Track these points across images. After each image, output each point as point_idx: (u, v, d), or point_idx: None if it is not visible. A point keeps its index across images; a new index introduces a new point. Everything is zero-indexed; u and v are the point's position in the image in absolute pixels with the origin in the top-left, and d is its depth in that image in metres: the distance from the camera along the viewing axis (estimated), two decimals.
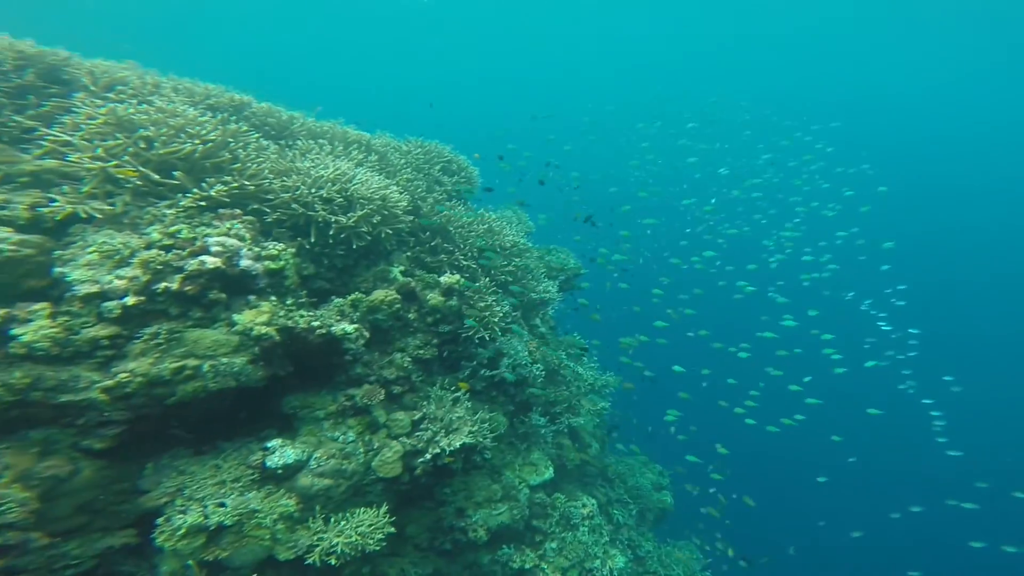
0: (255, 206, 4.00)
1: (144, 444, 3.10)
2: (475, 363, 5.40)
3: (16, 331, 2.62)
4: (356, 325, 3.77)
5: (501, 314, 5.63)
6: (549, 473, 5.73)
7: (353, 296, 4.01)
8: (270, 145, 5.02)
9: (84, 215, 3.24)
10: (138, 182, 3.38)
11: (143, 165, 3.59)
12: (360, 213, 4.33)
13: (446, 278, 5.08)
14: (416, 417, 4.15)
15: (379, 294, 4.49)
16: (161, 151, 3.65)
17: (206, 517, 2.69)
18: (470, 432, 4.01)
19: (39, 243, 3.07)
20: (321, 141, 5.78)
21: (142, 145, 3.63)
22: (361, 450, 3.64)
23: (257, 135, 4.95)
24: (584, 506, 5.83)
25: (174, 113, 3.85)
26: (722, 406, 11.24)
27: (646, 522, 9.48)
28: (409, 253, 5.58)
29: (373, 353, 4.61)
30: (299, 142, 5.63)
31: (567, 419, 6.73)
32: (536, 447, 6.00)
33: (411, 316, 4.88)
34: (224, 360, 2.90)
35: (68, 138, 3.60)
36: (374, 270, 4.85)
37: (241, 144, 4.18)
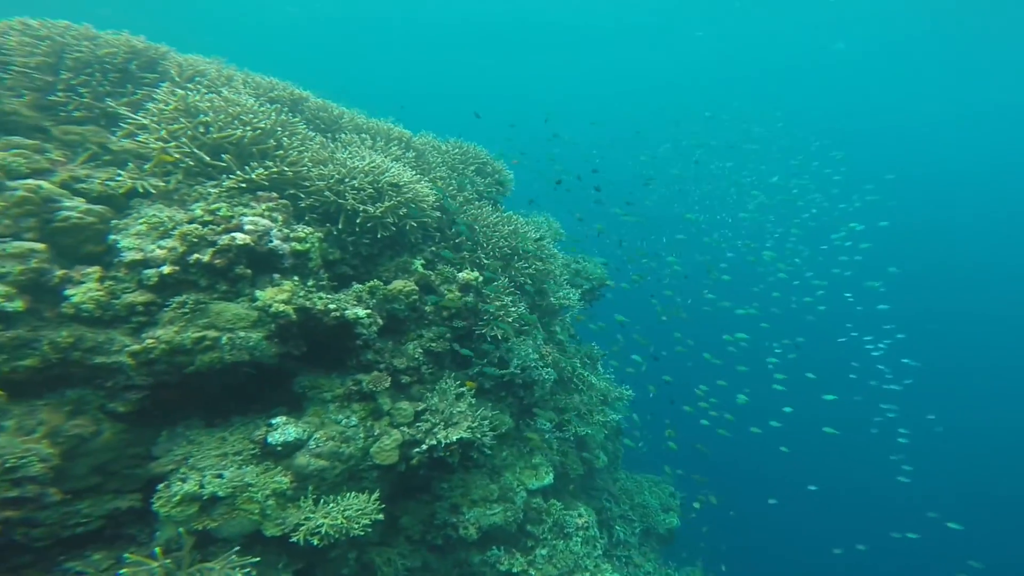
0: (292, 191, 4.28)
1: (163, 412, 3.38)
2: (485, 360, 5.54)
3: (68, 291, 2.93)
4: (369, 310, 3.97)
5: (516, 314, 5.75)
6: (549, 479, 5.81)
7: (371, 283, 4.22)
8: (316, 136, 5.32)
9: (141, 190, 3.57)
10: (190, 162, 3.70)
11: (199, 148, 3.91)
12: (387, 204, 4.54)
13: (464, 274, 5.25)
14: (420, 408, 4.32)
15: (398, 284, 4.70)
16: (215, 135, 3.96)
17: (202, 487, 2.91)
18: (468, 428, 4.15)
19: (101, 213, 3.41)
20: (364, 135, 6.07)
21: (200, 130, 3.96)
22: (361, 435, 3.83)
23: (305, 126, 5.26)
24: (580, 516, 5.88)
25: (234, 102, 4.16)
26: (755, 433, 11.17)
27: (650, 542, 9.40)
28: (434, 248, 5.78)
29: (387, 341, 4.83)
30: (344, 135, 5.94)
31: (575, 428, 6.78)
32: (539, 451, 6.09)
33: (427, 309, 5.07)
34: (242, 334, 3.14)
35: (144, 121, 3.98)
36: (397, 261, 5.07)
37: (287, 133, 4.46)
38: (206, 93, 4.35)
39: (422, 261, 5.29)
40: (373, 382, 4.05)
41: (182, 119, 3.83)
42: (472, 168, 7.53)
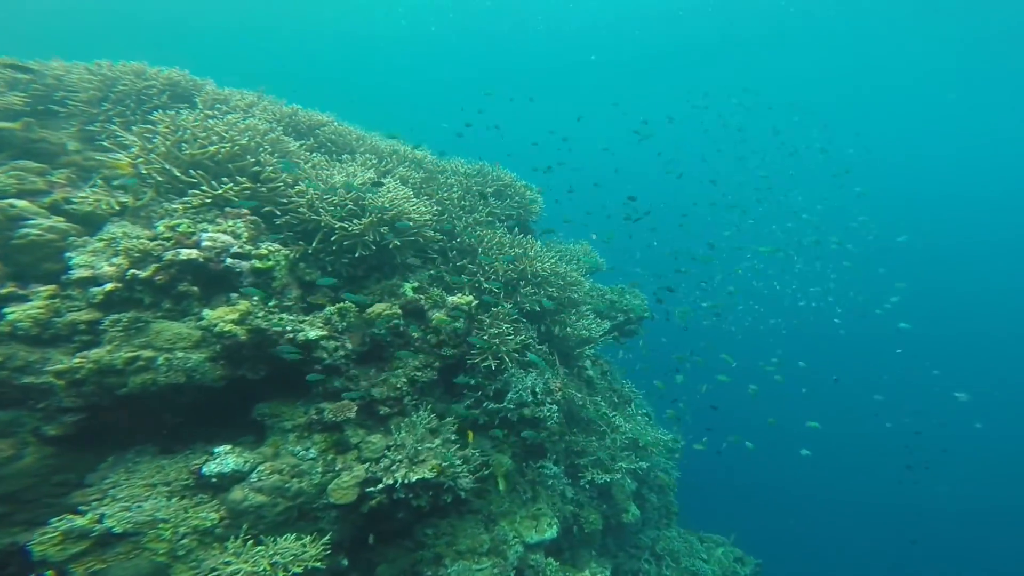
0: (269, 208, 4.30)
1: (115, 436, 3.35)
2: (479, 394, 5.23)
3: (7, 309, 3.02)
4: (325, 332, 3.82)
5: (517, 344, 5.43)
6: (552, 532, 5.30)
7: (340, 304, 4.09)
8: (314, 156, 5.43)
9: (106, 207, 3.70)
10: (159, 178, 3.81)
11: (173, 164, 4.05)
12: (365, 220, 4.46)
13: (455, 298, 5.03)
14: (392, 442, 4.08)
15: (378, 307, 4.55)
16: (190, 152, 4.09)
17: (99, 521, 2.77)
18: (435, 467, 3.83)
19: (64, 230, 3.56)
20: (368, 156, 6.14)
21: (177, 147, 4.11)
22: (319, 469, 3.63)
23: (300, 145, 5.39)
24: None
25: (232, 123, 4.32)
26: None
27: None
28: (433, 271, 5.63)
29: (370, 368, 4.67)
30: (347, 156, 6.04)
31: (593, 474, 6.24)
32: (544, 500, 5.61)
33: (415, 335, 4.88)
34: (180, 354, 3.07)
35: (128, 140, 4.21)
36: (385, 283, 4.95)
37: (269, 151, 4.55)
38: (203, 116, 4.55)
39: (414, 284, 5.14)
40: (337, 411, 3.87)
41: (160, 137, 3.98)
42: (491, 190, 7.41)
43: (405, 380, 4.69)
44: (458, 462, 4.05)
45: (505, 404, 5.14)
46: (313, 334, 3.71)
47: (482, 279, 5.66)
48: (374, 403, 4.43)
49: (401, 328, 4.73)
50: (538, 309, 6.03)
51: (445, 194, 6.33)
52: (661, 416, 11.49)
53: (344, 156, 5.87)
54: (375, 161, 5.92)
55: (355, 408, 3.93)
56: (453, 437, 4.44)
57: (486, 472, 4.61)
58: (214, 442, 3.76)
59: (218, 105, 5.40)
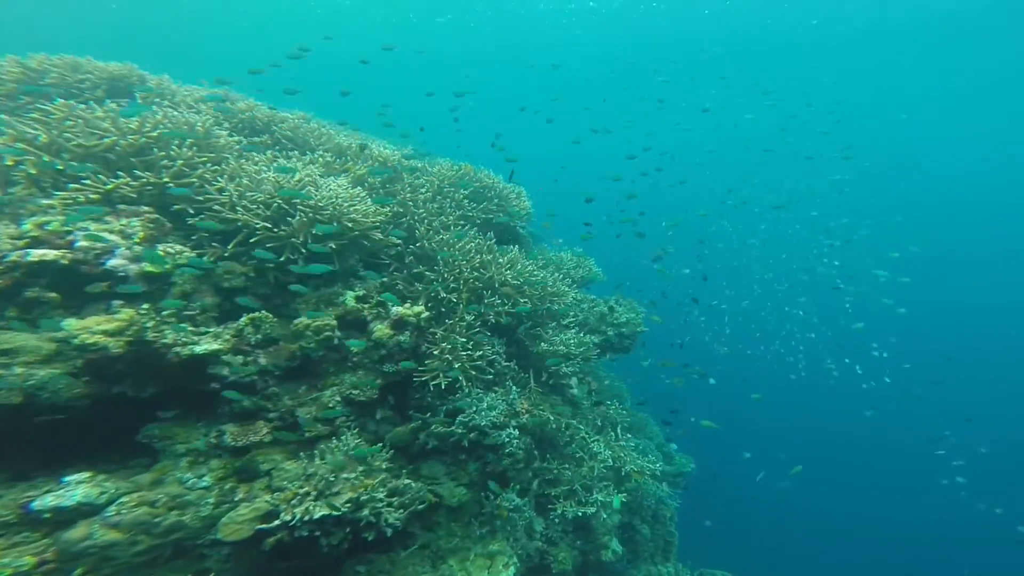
0: (181, 207, 3.96)
1: None
2: (428, 415, 4.78)
3: None
4: (223, 345, 3.43)
5: (476, 360, 4.98)
6: (509, 573, 4.79)
7: (255, 314, 3.70)
8: (255, 154, 5.10)
9: None
10: (33, 171, 3.49)
11: (55, 155, 3.72)
12: (296, 222, 4.08)
13: (400, 308, 4.60)
14: (309, 470, 3.65)
15: (308, 318, 4.16)
16: (81, 143, 3.75)
17: None
18: (350, 501, 3.38)
19: None
20: (324, 153, 5.80)
21: (55, 135, 3.76)
22: (211, 500, 3.22)
23: (238, 139, 5.07)
24: None
25: (150, 117, 4.00)
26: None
27: None
28: (386, 279, 5.23)
29: (299, 386, 4.27)
30: (310, 154, 5.71)
31: (564, 507, 5.71)
32: (503, 536, 5.10)
33: (355, 349, 4.46)
34: (18, 370, 2.71)
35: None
36: (323, 292, 4.56)
37: (182, 144, 4.17)
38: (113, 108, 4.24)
39: (359, 293, 4.74)
40: (240, 434, 3.46)
41: (43, 127, 3.67)
42: (467, 192, 7.00)
43: (339, 399, 4.28)
44: (380, 495, 3.59)
45: (454, 428, 4.68)
46: (203, 348, 3.32)
47: (440, 288, 5.23)
48: (299, 425, 4.03)
49: (336, 342, 4.32)
50: (505, 321, 5.57)
51: (409, 195, 5.95)
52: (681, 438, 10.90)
53: (294, 153, 5.53)
54: (329, 159, 5.58)
55: (264, 430, 3.52)
56: (384, 465, 3.99)
57: (426, 504, 4.15)
58: (100, 466, 3.40)
59: (158, 100, 5.13)
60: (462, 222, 6.49)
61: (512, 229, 8.19)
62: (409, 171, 6.56)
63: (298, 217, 4.11)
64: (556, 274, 7.11)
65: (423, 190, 6.31)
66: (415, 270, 5.37)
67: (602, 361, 12.17)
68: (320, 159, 5.35)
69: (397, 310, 4.59)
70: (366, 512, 3.41)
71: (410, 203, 5.87)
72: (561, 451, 6.36)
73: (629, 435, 8.25)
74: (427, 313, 4.82)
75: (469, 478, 5.18)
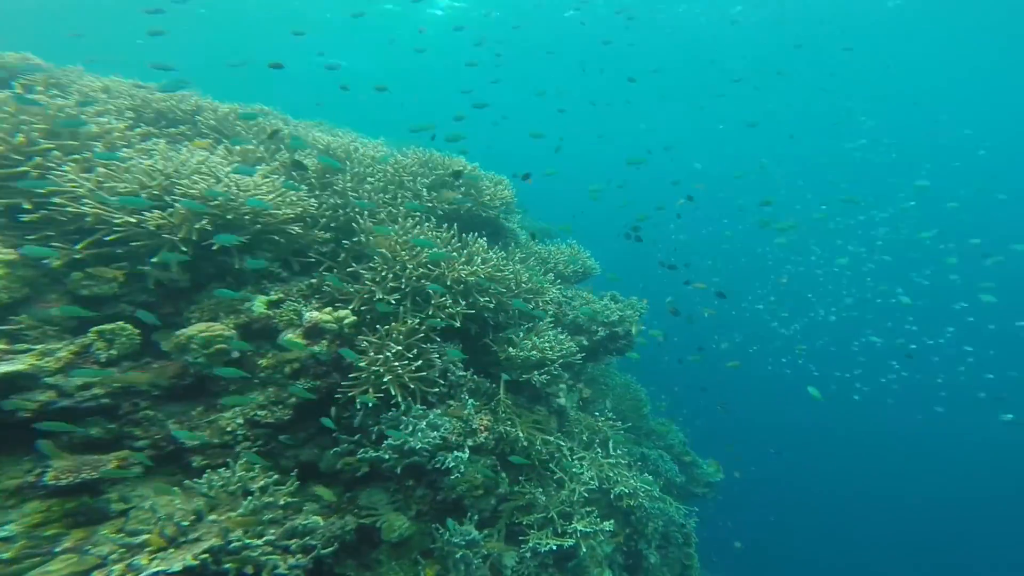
0: (15, 201, 3.49)
1: None
2: (357, 438, 4.20)
3: None
4: (55, 363, 2.92)
5: (418, 372, 4.39)
6: None
7: (104, 327, 3.20)
8: (156, 143, 4.64)
9: None
10: None
11: None
12: (179, 213, 3.57)
13: (315, 314, 4.03)
14: (167, 511, 3.11)
15: (194, 328, 3.64)
16: None
17: None
18: (209, 551, 2.81)
19: None
20: (249, 143, 5.32)
21: None
22: (6, 556, 2.70)
23: (141, 128, 4.62)
24: None
25: None
26: None
27: None
28: (313, 281, 4.69)
29: (194, 407, 3.76)
30: (226, 143, 5.24)
31: (538, 539, 5.05)
32: (456, 573, 4.47)
33: (262, 363, 3.93)
34: None
35: None
36: (223, 297, 4.03)
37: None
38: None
39: (273, 297, 4.21)
40: (67, 471, 2.94)
41: None
42: (428, 181, 6.43)
43: (242, 421, 3.74)
44: (258, 543, 3.01)
45: (380, 452, 4.08)
46: (10, 368, 2.82)
47: (376, 289, 4.66)
48: (187, 452, 3.51)
49: (235, 354, 3.79)
50: (467, 326, 4.96)
51: (350, 185, 5.40)
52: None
53: (184, 142, 5.04)
54: (252, 147, 5.08)
55: (115, 462, 3.00)
56: (281, 501, 3.43)
57: (348, 540, 3.55)
58: None
59: (45, 89, 4.71)
60: (419, 214, 5.91)
61: (493, 222, 7.58)
62: (360, 162, 6.02)
63: (178, 209, 3.60)
64: (537, 269, 6.46)
65: (372, 180, 5.77)
66: (349, 269, 4.82)
67: (613, 364, 11.45)
68: (240, 150, 4.85)
69: (312, 316, 4.03)
70: (230, 565, 2.84)
71: (352, 194, 5.33)
72: (539, 472, 5.70)
73: (625, 449, 7.51)
74: (352, 319, 4.25)
75: (417, 508, 4.58)
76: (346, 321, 4.14)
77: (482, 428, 4.88)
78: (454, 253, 5.23)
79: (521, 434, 5.27)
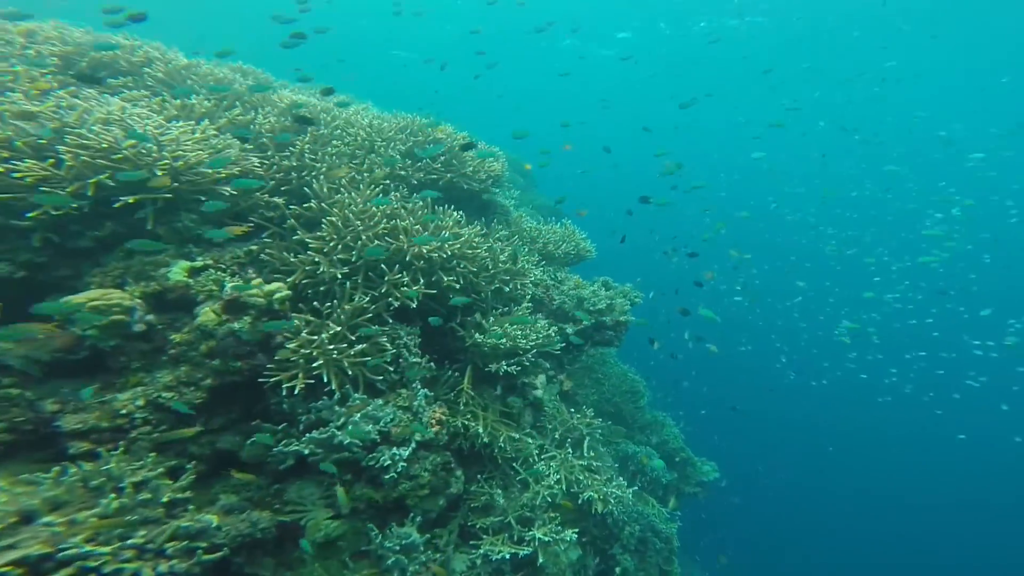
0: None
1: None
2: (282, 427, 3.71)
3: None
4: None
5: (360, 356, 3.87)
6: None
7: None
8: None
9: None
10: None
11: None
12: (64, 167, 3.05)
13: (236, 285, 3.51)
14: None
15: (86, 296, 3.15)
16: None
17: None
18: (7, 567, 2.33)
19: None
20: (201, 98, 4.77)
21: None
22: None
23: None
24: None
25: None
26: None
27: None
28: (254, 248, 4.17)
29: (86, 387, 3.29)
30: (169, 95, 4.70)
31: (491, 546, 4.56)
32: None
33: (176, 338, 3.43)
34: None
35: None
36: (137, 259, 3.53)
37: None
38: None
39: (198, 263, 3.70)
40: None
41: None
42: (403, 148, 5.84)
43: (143, 403, 3.27)
44: (104, 550, 2.52)
45: (300, 446, 3.58)
46: None
47: (321, 260, 4.13)
48: (69, 437, 3.05)
49: (137, 328, 3.30)
50: (414, 306, 4.41)
51: (307, 147, 4.84)
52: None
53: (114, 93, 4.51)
54: (205, 103, 4.52)
55: None
56: (167, 497, 2.95)
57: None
58: None
59: None
60: (387, 181, 5.34)
61: (478, 196, 6.98)
62: (328, 123, 5.44)
63: (71, 160, 3.07)
64: (521, 248, 5.86)
65: (339, 143, 5.20)
66: (296, 237, 4.28)
67: (611, 353, 10.86)
68: (178, 104, 4.30)
69: (233, 287, 3.51)
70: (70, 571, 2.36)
71: (308, 156, 4.77)
72: (503, 471, 5.20)
73: (605, 448, 6.97)
74: (285, 293, 3.72)
75: (353, 505, 4.10)
76: (277, 295, 3.61)
77: (433, 422, 4.36)
78: (418, 225, 4.66)
79: (482, 429, 4.74)
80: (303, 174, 4.64)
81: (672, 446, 10.37)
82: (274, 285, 3.63)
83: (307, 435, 3.52)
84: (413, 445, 4.13)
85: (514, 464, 5.11)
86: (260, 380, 3.57)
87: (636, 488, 8.21)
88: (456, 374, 5.08)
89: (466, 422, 4.75)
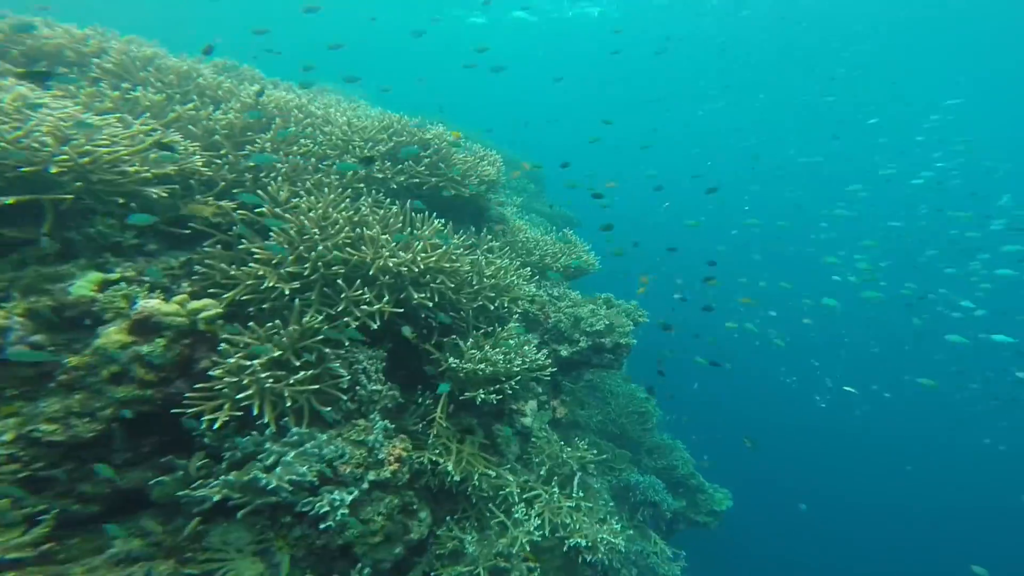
0: None
1: None
2: (198, 466, 3.12)
3: None
4: None
5: (306, 385, 3.28)
6: None
7: None
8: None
9: None
10: None
11: None
12: None
13: (153, 303, 2.94)
14: None
15: None
16: None
17: None
18: None
19: None
20: (149, 90, 4.28)
21: None
22: None
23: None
24: None
25: None
26: None
27: None
28: (194, 257, 3.62)
29: None
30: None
31: None
32: None
33: (72, 361, 2.88)
34: None
35: None
36: (31, 270, 3.00)
37: None
38: None
39: (114, 275, 3.16)
40: None
41: None
42: (386, 148, 5.28)
43: (11, 438, 2.71)
44: None
45: (212, 489, 2.98)
46: None
47: (267, 273, 3.55)
48: None
49: (13, 351, 2.75)
50: (375, 326, 3.81)
51: (268, 146, 4.30)
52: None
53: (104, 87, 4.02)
54: (153, 96, 4.00)
55: None
56: (14, 538, 2.37)
57: None
58: None
59: None
60: (361, 185, 4.77)
61: (473, 203, 6.38)
62: (299, 120, 4.90)
63: None
64: (510, 263, 5.23)
65: (308, 142, 4.66)
66: (241, 246, 3.72)
67: (617, 374, 10.10)
68: (115, 96, 3.79)
69: (148, 304, 2.94)
70: None
71: (273, 157, 4.22)
72: (479, 511, 4.55)
73: (601, 482, 6.25)
74: (215, 311, 3.15)
75: (292, 552, 3.49)
76: (203, 314, 3.04)
77: (392, 459, 3.73)
78: (385, 235, 4.06)
79: (452, 466, 4.09)
80: (261, 175, 4.08)
81: (682, 472, 9.57)
82: (202, 302, 3.06)
83: (223, 477, 2.91)
84: (366, 485, 3.52)
85: (490, 505, 4.45)
86: (176, 412, 2.99)
87: (638, 521, 7.49)
88: (430, 402, 4.46)
89: (435, 457, 4.11)
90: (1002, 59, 21.64)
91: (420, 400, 4.40)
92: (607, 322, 5.87)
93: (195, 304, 3.05)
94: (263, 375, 3.09)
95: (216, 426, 2.92)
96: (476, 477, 4.22)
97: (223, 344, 3.06)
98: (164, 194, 3.27)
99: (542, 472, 4.96)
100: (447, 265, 4.27)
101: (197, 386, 2.99)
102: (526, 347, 4.80)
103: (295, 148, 4.37)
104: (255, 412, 3.07)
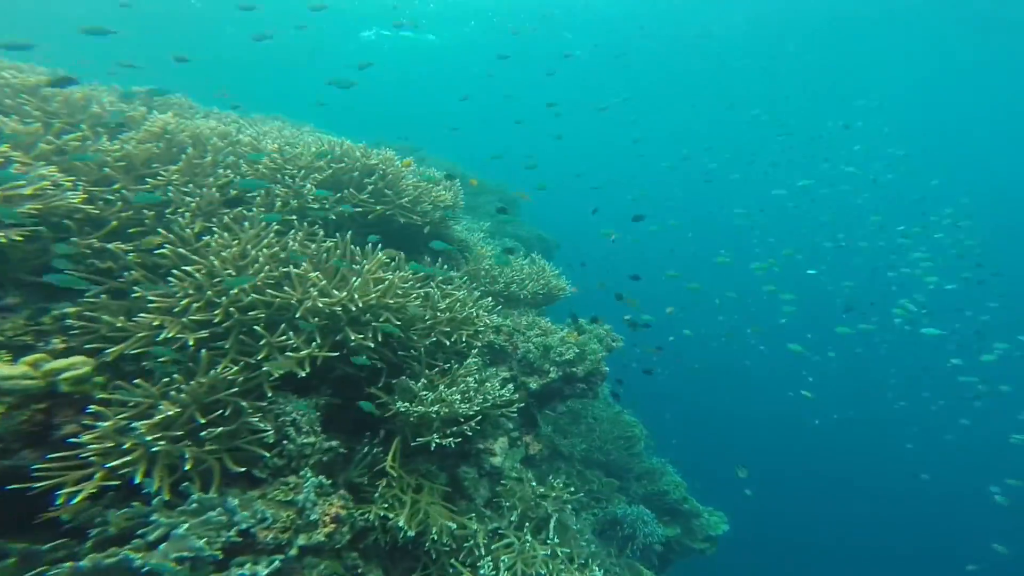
0: None
1: None
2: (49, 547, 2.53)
3: None
4: None
5: (212, 442, 2.72)
6: None
7: None
8: None
9: None
10: None
11: None
12: None
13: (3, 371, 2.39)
14: None
15: None
16: None
17: None
18: None
19: None
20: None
21: None
22: None
23: None
24: None
25: None
26: None
27: None
28: (71, 310, 3.07)
29: None
30: None
31: None
32: None
33: None
34: None
35: None
36: None
37: None
38: None
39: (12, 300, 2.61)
40: None
41: None
42: (323, 176, 4.82)
43: None
44: None
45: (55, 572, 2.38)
46: None
47: (167, 322, 3.02)
48: None
49: None
50: (303, 374, 3.29)
51: (175, 177, 3.82)
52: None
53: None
54: (17, 124, 3.51)
55: None
56: None
57: None
58: None
59: None
60: (293, 217, 4.30)
61: (423, 230, 5.90)
62: (217, 148, 4.43)
63: None
64: (466, 295, 4.73)
65: (227, 172, 4.19)
66: (136, 294, 3.19)
67: (603, 394, 9.59)
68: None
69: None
70: None
71: (181, 191, 3.75)
72: (441, 567, 3.97)
73: (581, 522, 5.68)
74: (83, 369, 2.61)
75: None
76: (66, 374, 2.50)
77: (327, 519, 3.17)
78: (314, 273, 3.58)
79: (403, 521, 3.53)
80: (166, 212, 3.59)
81: (673, 496, 9.02)
82: (67, 360, 2.53)
83: (86, 559, 2.32)
84: (294, 552, 2.97)
85: (452, 561, 3.87)
86: (23, 487, 2.41)
87: (627, 557, 6.89)
88: (379, 450, 3.91)
89: (383, 512, 3.55)
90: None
91: (367, 449, 3.86)
92: (576, 350, 5.41)
93: (57, 363, 2.52)
94: (149, 438, 2.55)
95: (75, 500, 2.35)
96: (434, 530, 3.66)
97: (94, 406, 2.52)
98: (18, 238, 2.75)
99: (513, 517, 4.40)
100: (391, 301, 3.80)
101: (52, 456, 2.43)
102: (488, 383, 4.31)
103: (211, 180, 3.90)
104: (137, 480, 2.52)
